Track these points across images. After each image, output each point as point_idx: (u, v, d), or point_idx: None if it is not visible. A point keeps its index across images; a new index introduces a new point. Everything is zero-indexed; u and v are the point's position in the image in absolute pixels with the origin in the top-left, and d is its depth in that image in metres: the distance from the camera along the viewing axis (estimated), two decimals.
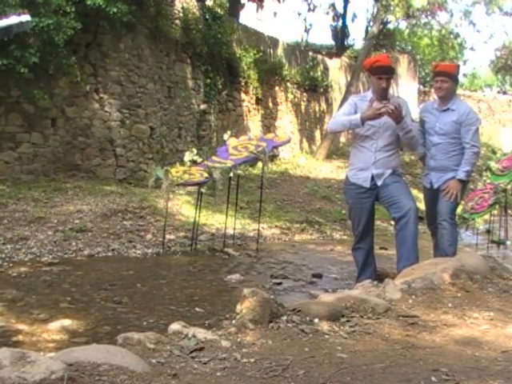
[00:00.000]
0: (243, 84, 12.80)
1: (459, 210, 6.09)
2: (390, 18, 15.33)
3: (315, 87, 15.93)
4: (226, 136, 6.87)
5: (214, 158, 6.68)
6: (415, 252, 4.55)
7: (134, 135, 9.67)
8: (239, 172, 6.94)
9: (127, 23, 8.93)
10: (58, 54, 8.10)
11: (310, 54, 16.56)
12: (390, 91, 4.97)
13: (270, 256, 6.44)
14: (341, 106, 10.18)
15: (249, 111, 13.31)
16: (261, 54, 13.18)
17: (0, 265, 5.19)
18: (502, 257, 6.69)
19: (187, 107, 11.15)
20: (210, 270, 5.53)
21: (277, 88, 14.40)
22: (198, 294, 4.65)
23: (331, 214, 9.88)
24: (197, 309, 4.19)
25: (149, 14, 9.78)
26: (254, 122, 13.50)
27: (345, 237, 8.37)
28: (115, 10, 8.32)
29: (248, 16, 17.81)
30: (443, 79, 4.84)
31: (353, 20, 21.18)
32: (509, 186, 6.72)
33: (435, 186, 4.89)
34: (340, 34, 19.51)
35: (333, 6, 19.88)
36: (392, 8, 14.17)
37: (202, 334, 2.70)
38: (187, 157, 6.34)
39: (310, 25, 21.37)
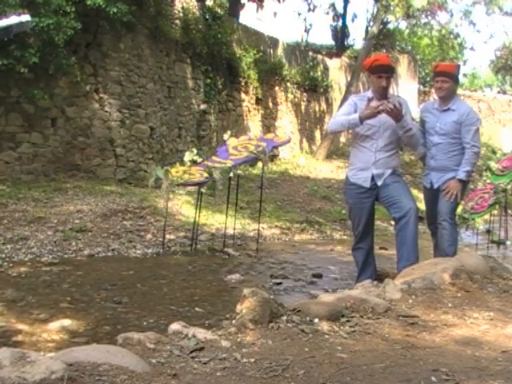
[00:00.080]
0: (243, 84, 12.81)
1: (459, 210, 6.09)
2: (390, 17, 15.33)
3: (315, 87, 15.93)
4: (226, 136, 6.87)
5: (214, 158, 6.68)
6: (415, 252, 4.55)
7: (133, 135, 9.67)
8: (239, 172, 6.94)
9: (127, 23, 8.93)
10: (58, 54, 8.10)
11: (310, 54, 16.56)
12: (390, 91, 4.97)
13: (270, 256, 6.44)
14: (341, 106, 10.17)
15: (249, 111, 13.31)
16: (261, 54, 13.18)
17: (0, 265, 5.19)
18: (502, 257, 6.69)
19: (187, 107, 11.16)
20: (209, 270, 5.53)
21: (277, 88, 14.40)
22: (198, 294, 4.65)
23: (331, 214, 9.88)
24: (197, 309, 4.18)
25: (149, 14, 9.78)
26: (254, 121, 13.51)
27: (345, 237, 8.37)
28: (115, 9, 8.32)
29: (248, 16, 17.81)
30: (444, 79, 4.84)
31: (353, 20, 21.20)
32: (509, 186, 6.73)
33: (435, 185, 4.89)
34: (340, 34, 19.51)
35: (333, 6, 19.89)
36: (392, 8, 14.17)
37: (201, 333, 2.70)
38: (187, 157, 6.34)
39: (310, 25, 21.38)
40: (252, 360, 2.47)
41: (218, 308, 4.22)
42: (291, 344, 2.69)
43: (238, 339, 2.70)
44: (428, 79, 23.87)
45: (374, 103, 4.56)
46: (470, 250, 6.86)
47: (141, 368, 2.23)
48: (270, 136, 7.60)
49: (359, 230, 4.81)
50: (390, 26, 18.89)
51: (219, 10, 12.17)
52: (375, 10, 17.12)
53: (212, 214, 8.02)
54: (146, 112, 9.92)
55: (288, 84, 14.67)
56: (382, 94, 4.68)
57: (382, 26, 16.35)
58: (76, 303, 4.20)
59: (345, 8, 19.43)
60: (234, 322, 2.88)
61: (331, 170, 14.20)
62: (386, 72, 4.67)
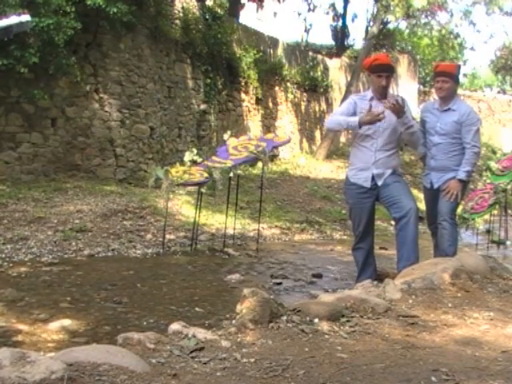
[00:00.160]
0: (243, 84, 12.81)
1: (459, 210, 6.09)
2: (390, 18, 15.33)
3: (315, 87, 15.93)
4: (226, 136, 6.87)
5: (214, 158, 6.68)
6: (415, 252, 4.55)
7: (133, 135, 9.67)
8: (239, 172, 6.94)
9: (127, 23, 8.93)
10: (58, 54, 8.10)
11: (310, 54, 16.56)
12: (390, 90, 4.97)
13: (270, 256, 6.44)
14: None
15: (249, 111, 13.31)
16: (261, 54, 13.18)
17: (0, 265, 5.19)
18: (502, 257, 6.69)
19: (187, 107, 11.16)
20: (210, 270, 5.53)
21: (277, 88, 14.40)
22: (198, 294, 4.65)
23: (331, 214, 9.88)
24: (197, 309, 4.18)
25: (149, 14, 9.78)
26: (254, 121, 13.51)
27: (345, 237, 8.37)
28: (115, 9, 8.32)
29: (248, 16, 17.76)
30: (444, 79, 4.84)
31: (353, 20, 21.23)
32: (509, 186, 6.73)
33: (435, 185, 4.88)
34: (340, 33, 19.50)
35: (333, 6, 19.88)
36: (392, 8, 14.17)
37: (202, 333, 2.70)
38: (187, 157, 6.34)
39: (310, 25, 21.36)
40: (252, 360, 2.47)
41: (217, 308, 4.22)
42: (291, 344, 2.69)
43: (238, 339, 2.70)
44: (428, 79, 23.88)
45: (374, 105, 4.56)
46: (470, 250, 6.86)
47: (141, 368, 2.23)
48: (269, 136, 7.60)
49: (359, 230, 4.81)
50: (390, 26, 18.90)
51: (219, 10, 12.17)
52: (375, 10, 17.12)
53: (212, 214, 8.02)
54: (146, 112, 9.92)
55: (288, 84, 14.67)
56: (382, 93, 4.68)
57: (381, 26, 16.36)
58: (76, 303, 4.20)
59: (345, 8, 19.43)
60: (233, 322, 2.88)
61: (331, 170, 14.20)
62: (386, 71, 4.67)
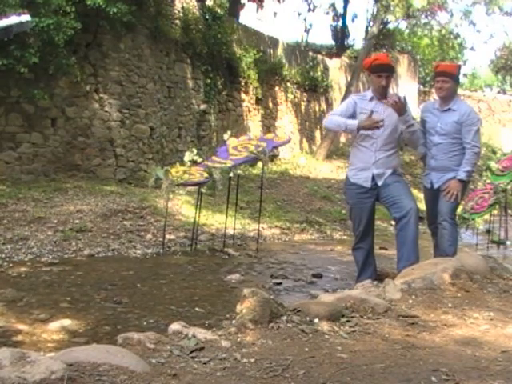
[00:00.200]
0: (243, 84, 12.81)
1: (459, 210, 6.09)
2: (390, 18, 15.33)
3: (315, 87, 15.93)
4: (226, 136, 6.87)
5: (214, 157, 6.68)
6: (415, 252, 4.55)
7: (133, 135, 9.67)
8: (239, 172, 6.94)
9: (127, 23, 8.93)
10: (58, 54, 8.09)
11: (310, 54, 16.56)
12: (390, 90, 4.97)
13: (270, 256, 6.44)
14: None
15: (249, 111, 13.31)
16: (261, 54, 13.18)
17: (0, 265, 5.19)
18: (502, 257, 6.69)
19: (187, 107, 11.16)
20: (210, 270, 5.53)
21: (277, 88, 14.40)
22: (198, 294, 4.65)
23: (331, 214, 9.88)
24: (197, 309, 4.18)
25: (149, 14, 9.78)
26: (254, 121, 13.51)
27: (345, 237, 8.37)
28: (115, 9, 8.32)
29: (248, 16, 17.77)
30: (444, 79, 4.83)
31: (353, 20, 21.23)
32: (509, 186, 6.72)
33: (436, 185, 4.88)
34: (340, 33, 19.51)
35: (333, 6, 19.89)
36: (392, 8, 14.17)
37: (202, 333, 2.70)
38: (187, 157, 6.34)
39: (310, 25, 21.37)
40: (252, 360, 2.47)
41: (217, 308, 4.22)
42: (291, 344, 2.69)
43: (238, 339, 2.70)
44: (428, 79, 23.88)
45: (376, 116, 4.57)
46: (470, 250, 6.86)
47: (141, 368, 2.23)
48: (269, 136, 7.60)
49: (359, 230, 4.81)
50: (390, 26, 18.90)
51: (219, 10, 12.17)
52: (375, 10, 17.12)
53: (212, 214, 8.02)
54: (146, 112, 9.92)
55: (288, 84, 14.67)
56: (382, 93, 4.69)
57: (382, 26, 16.36)
58: (76, 303, 4.20)
59: (345, 8, 19.43)
60: (234, 322, 2.88)
61: (331, 170, 14.20)
62: (386, 71, 4.68)
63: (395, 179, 4.72)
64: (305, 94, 15.62)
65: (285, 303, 3.18)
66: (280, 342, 2.70)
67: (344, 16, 19.46)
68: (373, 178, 4.68)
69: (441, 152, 4.85)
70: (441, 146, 4.84)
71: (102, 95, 9.15)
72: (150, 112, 10.00)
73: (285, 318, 2.93)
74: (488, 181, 7.18)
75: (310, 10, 20.26)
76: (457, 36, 20.79)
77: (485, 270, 3.96)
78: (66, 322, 3.73)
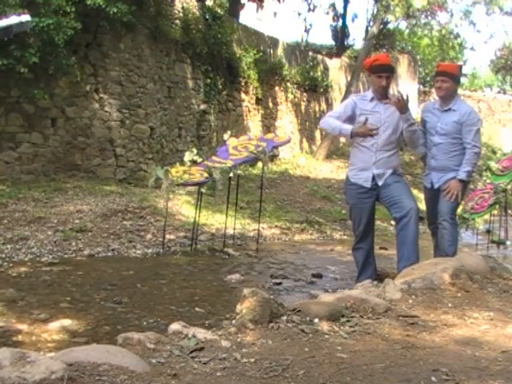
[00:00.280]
0: (243, 84, 12.81)
1: (459, 210, 6.09)
2: (390, 18, 15.31)
3: (315, 87, 15.94)
4: (226, 136, 6.87)
5: (214, 157, 6.68)
6: (416, 252, 4.55)
7: (133, 135, 9.67)
8: (239, 172, 6.94)
9: (127, 23, 8.93)
10: (58, 54, 8.10)
11: (310, 54, 16.56)
12: (390, 91, 4.97)
13: (270, 256, 6.44)
14: None
15: (249, 111, 13.31)
16: (261, 54, 13.18)
17: (0, 265, 5.19)
18: (502, 257, 6.69)
19: (187, 107, 11.16)
20: (210, 270, 5.53)
21: (277, 88, 14.40)
22: (198, 293, 4.65)
23: (331, 214, 9.88)
24: (197, 309, 4.18)
25: (149, 14, 9.78)
26: (254, 121, 13.51)
27: (345, 237, 8.37)
28: (115, 9, 8.32)
29: (248, 16, 17.77)
30: (443, 79, 4.84)
31: (353, 20, 21.26)
32: (509, 186, 6.72)
33: (436, 185, 4.88)
34: (340, 33, 19.51)
35: (333, 6, 19.90)
36: (392, 8, 14.16)
37: (202, 333, 2.70)
38: (187, 157, 6.34)
39: (310, 25, 21.37)
40: (252, 360, 2.47)
41: (217, 308, 4.22)
42: (291, 344, 2.69)
43: (238, 339, 2.70)
44: (428, 79, 23.88)
45: (370, 125, 4.56)
46: (470, 250, 6.86)
47: (141, 368, 2.23)
48: (269, 136, 7.61)
49: (360, 230, 4.81)
50: (390, 26, 18.89)
51: (219, 10, 12.17)
52: (375, 10, 17.12)
53: (212, 214, 8.02)
54: (146, 112, 9.92)
55: (288, 84, 14.67)
56: (382, 93, 4.69)
57: (382, 26, 16.35)
58: (76, 303, 4.20)
59: (345, 8, 19.44)
60: (233, 322, 2.88)
61: (331, 170, 14.20)
62: (386, 71, 4.68)
63: (395, 179, 4.72)
64: (305, 94, 15.62)
65: (285, 303, 3.18)
66: (280, 342, 2.70)
67: (344, 16, 19.47)
68: (373, 178, 4.68)
69: (441, 152, 4.85)
70: (441, 146, 4.84)
71: (101, 95, 9.15)
72: (150, 112, 10.00)
73: (285, 318, 2.92)
74: (488, 181, 7.18)
75: (310, 9, 20.28)
76: (457, 36, 20.80)
77: (485, 270, 3.96)
78: (66, 322, 3.73)
